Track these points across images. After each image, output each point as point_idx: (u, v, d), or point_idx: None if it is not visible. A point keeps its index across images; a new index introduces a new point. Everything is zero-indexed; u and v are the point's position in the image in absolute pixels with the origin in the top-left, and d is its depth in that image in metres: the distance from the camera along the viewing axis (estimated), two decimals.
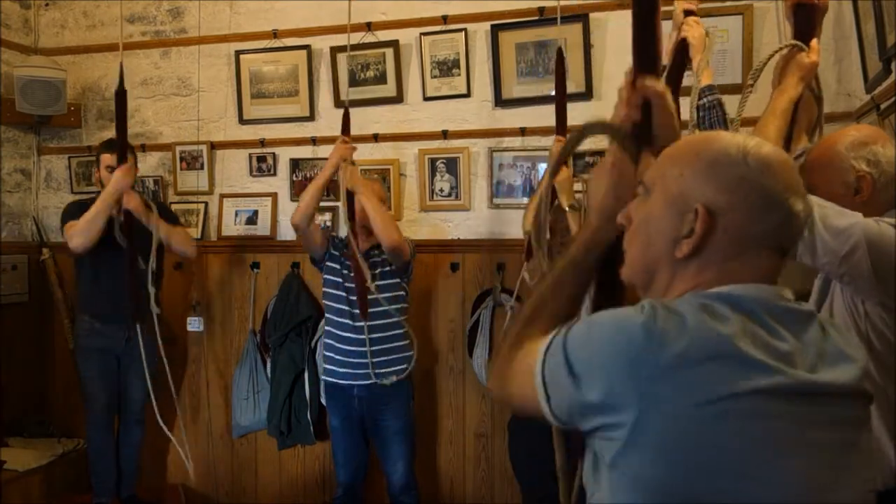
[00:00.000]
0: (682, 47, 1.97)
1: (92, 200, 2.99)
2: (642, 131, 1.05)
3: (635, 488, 0.82)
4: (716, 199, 0.87)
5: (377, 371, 2.77)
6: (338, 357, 2.83)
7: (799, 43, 1.68)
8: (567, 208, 2.55)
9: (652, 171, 0.96)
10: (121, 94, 2.92)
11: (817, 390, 0.83)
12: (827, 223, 1.47)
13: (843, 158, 1.59)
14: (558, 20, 2.88)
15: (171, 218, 3.20)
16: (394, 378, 2.80)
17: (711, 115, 1.88)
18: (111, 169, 2.98)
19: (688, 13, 2.01)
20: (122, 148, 2.94)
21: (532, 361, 0.92)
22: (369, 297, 2.75)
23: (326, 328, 2.90)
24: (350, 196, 2.76)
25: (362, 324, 2.77)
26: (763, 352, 0.81)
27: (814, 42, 1.70)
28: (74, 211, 3.04)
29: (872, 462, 0.90)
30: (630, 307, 0.87)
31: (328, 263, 2.88)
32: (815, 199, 1.52)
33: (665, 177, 0.92)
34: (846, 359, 0.88)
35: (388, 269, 2.84)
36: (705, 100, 1.89)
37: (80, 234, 2.92)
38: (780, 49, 1.72)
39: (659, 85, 1.06)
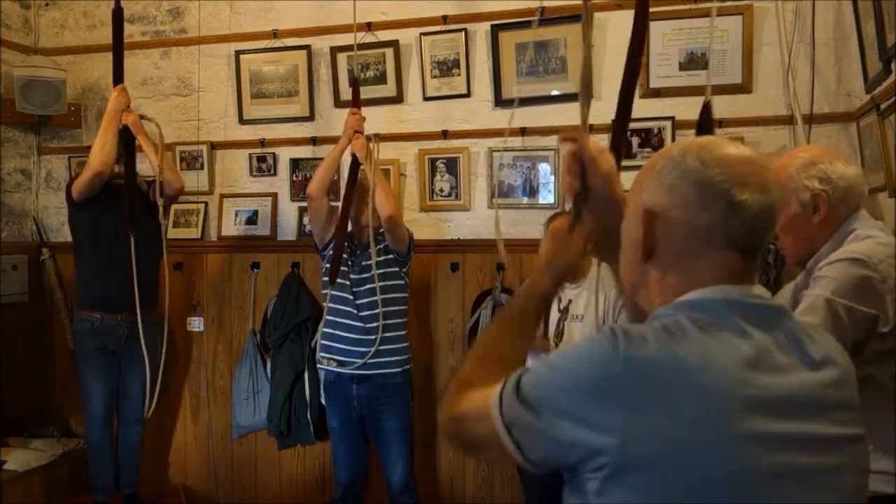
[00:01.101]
0: None
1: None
2: (584, 192, 1.12)
3: None
4: (659, 200, 0.90)
5: (374, 360, 2.78)
6: (336, 346, 2.84)
7: None
8: None
9: (630, 190, 1.00)
10: (117, 13, 2.90)
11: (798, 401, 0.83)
12: None
13: (795, 180, 1.64)
14: (538, 22, 2.97)
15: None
16: (391, 370, 2.81)
17: None
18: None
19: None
20: (118, 66, 2.96)
21: (487, 405, 0.89)
22: (368, 286, 2.79)
23: (327, 318, 2.89)
24: (354, 166, 2.85)
25: (365, 313, 2.78)
26: (735, 366, 0.81)
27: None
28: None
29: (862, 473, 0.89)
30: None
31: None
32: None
33: (633, 191, 0.97)
34: (830, 362, 0.88)
35: (388, 257, 2.84)
36: None
37: (95, 156, 2.94)
38: None
39: (590, 147, 1.10)
